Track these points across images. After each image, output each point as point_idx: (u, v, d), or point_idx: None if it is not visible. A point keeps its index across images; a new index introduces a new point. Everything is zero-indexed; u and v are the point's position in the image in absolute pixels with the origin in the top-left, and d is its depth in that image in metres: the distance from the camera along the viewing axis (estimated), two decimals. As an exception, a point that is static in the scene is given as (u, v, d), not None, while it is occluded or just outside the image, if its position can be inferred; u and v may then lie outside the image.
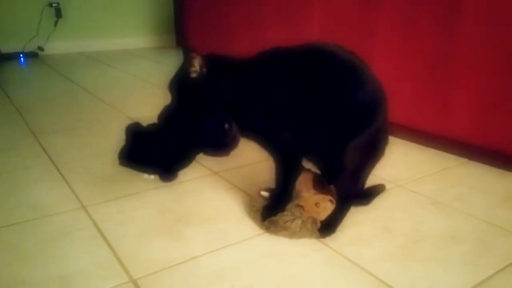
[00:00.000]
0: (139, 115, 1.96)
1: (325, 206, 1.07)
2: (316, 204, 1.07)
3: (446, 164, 1.48)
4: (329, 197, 1.07)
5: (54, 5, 3.74)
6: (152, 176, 1.35)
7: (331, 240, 1.04)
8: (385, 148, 1.07)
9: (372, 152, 1.05)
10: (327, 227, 1.06)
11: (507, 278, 0.91)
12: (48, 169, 1.45)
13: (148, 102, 2.30)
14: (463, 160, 1.51)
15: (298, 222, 1.05)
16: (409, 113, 1.61)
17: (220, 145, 1.45)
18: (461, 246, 1.02)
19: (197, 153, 1.38)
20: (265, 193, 1.14)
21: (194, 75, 1.05)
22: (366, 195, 1.19)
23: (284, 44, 1.06)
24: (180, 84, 1.09)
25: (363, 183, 1.13)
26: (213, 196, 1.27)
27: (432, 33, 1.51)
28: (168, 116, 1.33)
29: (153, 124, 1.37)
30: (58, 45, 3.84)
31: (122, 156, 1.37)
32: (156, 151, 1.32)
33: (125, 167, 1.36)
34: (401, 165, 1.47)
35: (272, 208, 1.08)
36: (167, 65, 3.40)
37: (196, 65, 1.04)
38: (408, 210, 1.18)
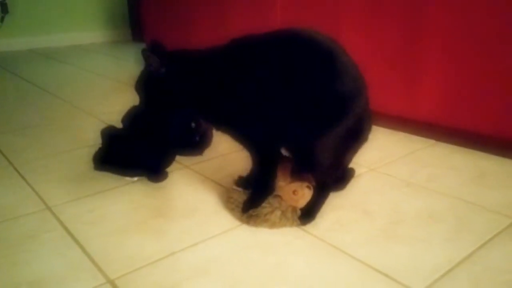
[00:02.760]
0: (99, 111, 1.88)
1: (303, 193, 1.05)
2: (294, 192, 1.04)
3: (415, 146, 1.50)
4: (306, 184, 1.05)
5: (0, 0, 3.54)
6: (135, 179, 1.28)
7: (312, 227, 1.02)
8: (368, 135, 1.05)
9: (353, 140, 1.03)
10: (307, 214, 1.04)
11: (489, 253, 0.92)
12: (6, 170, 1.36)
13: (108, 97, 2.21)
14: (432, 141, 1.54)
15: (278, 213, 1.03)
16: (376, 97, 1.61)
17: (189, 144, 1.41)
18: (440, 224, 1.03)
19: (175, 152, 1.33)
20: (238, 188, 1.11)
21: (155, 74, 1.03)
22: (341, 180, 1.18)
23: (247, 32, 1.02)
24: (145, 84, 1.07)
25: (344, 169, 1.12)
26: (186, 190, 1.23)
27: (398, 16, 1.51)
28: (132, 118, 1.27)
29: (122, 129, 1.30)
30: (5, 42, 3.64)
31: (98, 160, 1.29)
32: (137, 153, 1.25)
33: (101, 171, 1.29)
34: (372, 150, 1.47)
35: (254, 201, 1.05)
36: (124, 59, 3.29)
37: (154, 64, 1.01)
38: (384, 193, 1.18)
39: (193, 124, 1.26)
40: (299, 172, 1.08)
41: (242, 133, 1.04)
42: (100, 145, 1.30)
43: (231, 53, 1.02)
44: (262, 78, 0.97)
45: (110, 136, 1.28)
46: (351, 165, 1.18)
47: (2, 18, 3.59)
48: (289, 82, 0.95)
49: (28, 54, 3.53)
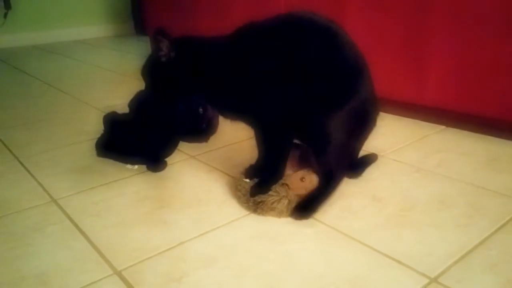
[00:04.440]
0: (104, 105, 1.87)
1: (311, 179, 1.03)
2: (302, 179, 1.03)
3: (424, 132, 1.47)
4: (314, 169, 1.03)
5: (2, -4, 3.52)
6: (136, 166, 1.26)
7: (321, 214, 1.00)
8: (376, 118, 1.04)
9: (360, 124, 1.01)
10: (306, 207, 1.00)
11: (502, 238, 0.90)
12: (11, 164, 1.35)
13: (112, 90, 2.19)
14: (441, 127, 1.51)
15: (285, 201, 1.00)
16: (384, 84, 1.58)
17: (196, 131, 1.39)
18: (451, 210, 1.01)
19: (180, 139, 1.31)
20: (246, 179, 1.09)
21: (163, 59, 1.02)
22: (357, 166, 1.16)
23: (251, 17, 1.01)
24: (152, 69, 1.06)
25: (355, 156, 1.09)
26: (193, 180, 1.21)
27: (404, 1, 1.48)
28: (140, 102, 1.25)
29: (127, 113, 1.28)
30: (9, 38, 3.63)
31: (100, 146, 1.28)
32: (138, 140, 1.23)
33: (103, 157, 1.28)
34: (381, 136, 1.44)
35: (263, 185, 1.03)
36: (128, 52, 3.27)
37: (164, 48, 1.00)
38: (394, 179, 1.16)
39: (200, 110, 1.24)
40: (307, 160, 1.06)
41: (253, 117, 1.03)
42: (103, 131, 1.29)
43: (240, 37, 1.02)
44: (270, 61, 0.97)
45: (112, 122, 1.27)
46: (362, 153, 1.16)
47: (5, 14, 3.58)
48: (294, 63, 0.96)
49: (31, 50, 3.52)
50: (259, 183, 1.05)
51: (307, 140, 1.03)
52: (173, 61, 1.02)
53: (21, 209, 1.08)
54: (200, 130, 1.38)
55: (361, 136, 1.05)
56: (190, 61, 1.02)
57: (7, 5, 3.56)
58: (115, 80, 2.48)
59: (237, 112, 1.04)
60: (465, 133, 1.45)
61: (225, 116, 1.08)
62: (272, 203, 1.00)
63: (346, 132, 0.99)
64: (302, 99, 0.96)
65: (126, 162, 1.27)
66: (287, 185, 1.03)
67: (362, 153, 1.16)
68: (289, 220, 0.99)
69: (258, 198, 1.01)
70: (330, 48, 0.97)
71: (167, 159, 1.28)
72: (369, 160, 1.21)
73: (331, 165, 1.02)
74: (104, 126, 1.28)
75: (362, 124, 1.02)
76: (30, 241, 0.95)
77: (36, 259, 0.89)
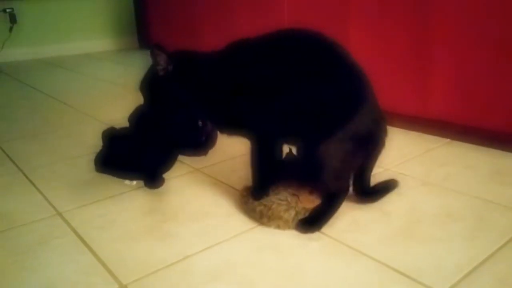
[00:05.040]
0: (108, 118, 1.87)
1: (319, 193, 1.03)
2: (310, 192, 1.03)
3: (429, 146, 1.47)
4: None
5: (8, 10, 3.55)
6: (134, 182, 1.26)
7: (328, 228, 0.99)
8: (384, 139, 1.00)
9: (365, 146, 0.98)
10: (310, 222, 0.99)
11: (511, 252, 0.89)
12: (16, 177, 1.35)
13: (116, 103, 2.20)
14: (446, 140, 1.51)
15: (292, 212, 1.00)
16: (388, 97, 1.58)
17: (195, 144, 1.38)
18: (459, 223, 1.00)
19: (178, 153, 1.30)
20: None
21: (161, 73, 1.03)
22: (374, 193, 1.10)
23: (255, 34, 1.02)
24: (150, 83, 1.07)
25: (367, 179, 1.07)
26: (197, 193, 1.21)
27: (407, 14, 1.49)
28: (140, 117, 1.25)
29: (126, 128, 1.28)
30: (14, 52, 3.65)
31: (99, 162, 1.28)
32: (136, 155, 1.23)
33: (102, 173, 1.27)
34: (386, 150, 1.44)
35: (259, 189, 1.04)
36: (132, 66, 3.29)
37: (162, 62, 1.01)
38: (401, 193, 1.15)
39: (200, 123, 1.24)
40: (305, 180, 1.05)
41: (248, 132, 1.03)
42: (101, 147, 1.29)
43: (234, 53, 1.02)
44: (266, 78, 0.96)
45: (111, 138, 1.27)
46: (395, 176, 1.16)
47: (11, 28, 3.61)
48: (291, 82, 0.94)
49: (35, 63, 3.54)
50: (254, 187, 1.06)
51: (303, 161, 1.00)
52: (171, 75, 1.02)
53: (26, 222, 1.07)
54: (199, 143, 1.38)
55: (368, 159, 1.03)
56: (187, 75, 1.03)
57: (13, 19, 3.59)
58: (119, 93, 2.49)
59: (232, 126, 1.05)
60: (470, 146, 1.44)
61: (221, 130, 1.09)
62: (280, 211, 1.00)
63: (346, 155, 0.96)
64: (296, 119, 0.95)
65: (125, 178, 1.27)
66: (297, 196, 1.03)
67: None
68: (295, 233, 0.99)
69: (266, 206, 1.01)
70: (328, 68, 0.94)
71: (165, 175, 1.27)
72: (388, 187, 1.13)
73: (330, 189, 1.00)
74: (103, 142, 1.28)
75: (367, 146, 0.99)
76: (35, 254, 0.94)
77: (41, 273, 0.88)
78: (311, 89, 0.93)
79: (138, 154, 1.22)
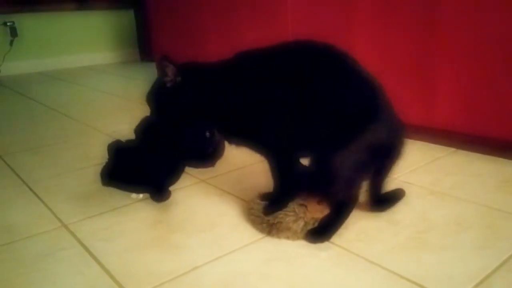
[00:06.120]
0: (111, 130, 1.87)
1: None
2: (319, 202, 1.02)
3: (435, 155, 1.47)
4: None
5: (8, 24, 3.57)
6: (141, 195, 1.25)
7: (337, 237, 0.98)
8: (400, 150, 1.00)
9: (380, 157, 0.97)
10: (320, 232, 0.98)
11: (523, 260, 0.89)
12: (20, 189, 1.34)
13: (118, 115, 2.20)
14: (452, 149, 1.50)
15: (301, 223, 0.99)
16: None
17: (203, 155, 1.38)
18: (468, 232, 0.99)
19: (185, 165, 1.29)
20: (260, 202, 1.08)
21: (169, 84, 1.02)
22: (384, 201, 1.10)
23: (259, 43, 1.01)
24: (157, 95, 1.06)
25: (379, 189, 1.06)
26: (204, 204, 1.20)
27: (412, 23, 1.50)
28: (146, 129, 1.24)
29: (132, 140, 1.27)
30: (15, 65, 3.67)
31: (105, 175, 1.27)
32: (142, 168, 1.22)
33: (108, 186, 1.27)
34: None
35: (275, 203, 1.03)
36: (133, 78, 3.30)
37: (170, 74, 1.01)
38: (408, 202, 1.14)
39: (207, 134, 1.24)
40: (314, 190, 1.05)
41: (256, 144, 1.02)
42: (107, 160, 1.28)
43: (245, 65, 1.01)
44: (276, 89, 0.95)
45: (116, 151, 1.26)
46: (402, 186, 1.15)
47: (11, 41, 3.63)
48: (304, 94, 0.93)
49: (37, 76, 3.56)
50: (271, 201, 1.04)
51: (314, 171, 0.99)
52: (179, 86, 1.02)
53: (32, 234, 1.06)
54: (206, 155, 1.37)
55: (383, 169, 1.02)
56: (197, 86, 1.02)
57: (13, 32, 3.61)
58: (121, 105, 2.49)
59: (241, 138, 1.04)
60: (476, 155, 1.44)
61: (230, 141, 1.08)
62: (288, 222, 0.99)
63: (359, 165, 0.95)
64: (310, 131, 0.94)
65: (131, 191, 1.26)
66: (305, 206, 1.02)
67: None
68: (304, 243, 0.98)
69: (274, 217, 1.00)
70: (340, 82, 0.94)
71: (171, 187, 1.26)
72: (396, 196, 1.13)
73: (340, 198, 0.99)
74: (109, 155, 1.27)
75: (381, 156, 0.98)
76: (41, 266, 0.93)
77: (48, 285, 0.87)
78: (325, 100, 0.93)
79: (144, 167, 1.21)
